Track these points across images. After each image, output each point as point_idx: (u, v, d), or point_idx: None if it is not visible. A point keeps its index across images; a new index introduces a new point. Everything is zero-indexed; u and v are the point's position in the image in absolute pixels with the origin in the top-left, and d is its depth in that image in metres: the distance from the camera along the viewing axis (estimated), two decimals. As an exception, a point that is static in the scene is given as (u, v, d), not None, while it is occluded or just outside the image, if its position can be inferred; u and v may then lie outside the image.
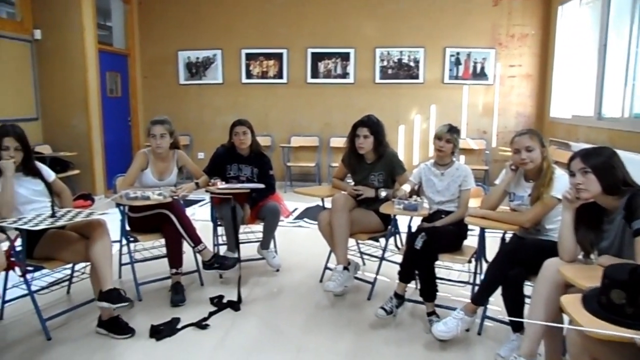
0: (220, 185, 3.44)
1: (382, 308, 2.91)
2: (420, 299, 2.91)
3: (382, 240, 3.37)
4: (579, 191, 2.05)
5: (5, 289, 2.93)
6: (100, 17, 6.69)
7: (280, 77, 7.40)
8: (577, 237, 2.12)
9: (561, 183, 2.43)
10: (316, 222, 3.44)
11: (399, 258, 3.11)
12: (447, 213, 3.05)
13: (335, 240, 3.17)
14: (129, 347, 2.67)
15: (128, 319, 2.83)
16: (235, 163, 3.67)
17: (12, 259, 2.35)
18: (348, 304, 3.26)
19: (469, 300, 2.66)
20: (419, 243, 2.77)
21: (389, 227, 3.28)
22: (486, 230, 2.84)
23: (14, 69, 5.79)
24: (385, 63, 7.22)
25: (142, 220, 3.20)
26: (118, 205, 3.20)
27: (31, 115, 6.05)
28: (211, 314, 3.03)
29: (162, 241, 3.25)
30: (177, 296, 3.18)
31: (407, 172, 3.40)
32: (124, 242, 3.30)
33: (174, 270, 3.20)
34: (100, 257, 2.67)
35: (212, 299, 3.22)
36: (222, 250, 3.64)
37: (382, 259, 3.31)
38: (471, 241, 3.08)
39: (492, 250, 2.82)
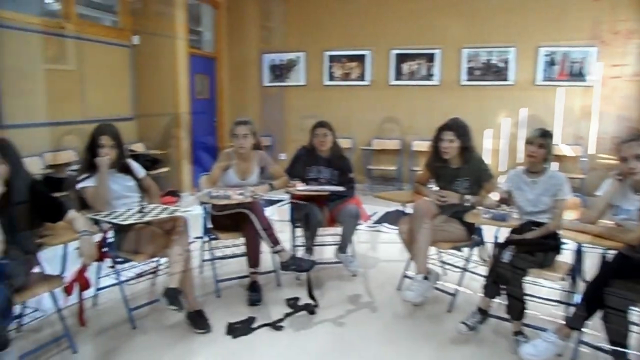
0: (300, 187, 3.43)
1: (464, 323, 2.74)
2: (506, 316, 2.71)
3: (466, 251, 3.19)
4: None
5: (99, 277, 3.12)
6: (191, 22, 7.01)
7: (363, 79, 7.33)
8: None
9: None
10: (396, 228, 3.33)
11: (483, 270, 2.92)
12: (539, 225, 2.80)
13: (416, 248, 3.04)
14: (206, 342, 2.74)
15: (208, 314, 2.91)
16: (315, 165, 3.65)
17: (104, 251, 2.49)
18: (427, 315, 3.11)
19: (562, 322, 2.43)
20: (506, 256, 2.58)
21: (474, 236, 3.10)
22: (585, 246, 2.58)
23: (113, 72, 6.23)
24: (472, 64, 6.91)
25: (224, 219, 3.27)
26: (202, 203, 3.30)
27: (127, 115, 6.46)
28: (286, 315, 3.03)
29: (242, 240, 3.30)
30: (254, 295, 3.21)
31: (495, 179, 3.20)
32: (206, 239, 3.39)
33: (252, 270, 3.24)
34: (174, 253, 2.76)
35: (288, 300, 3.22)
36: (301, 252, 3.64)
37: (464, 270, 3.13)
38: (565, 257, 2.82)
39: (590, 268, 2.56)
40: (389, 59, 7.20)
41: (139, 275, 3.37)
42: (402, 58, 7.15)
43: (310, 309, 3.10)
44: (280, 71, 7.65)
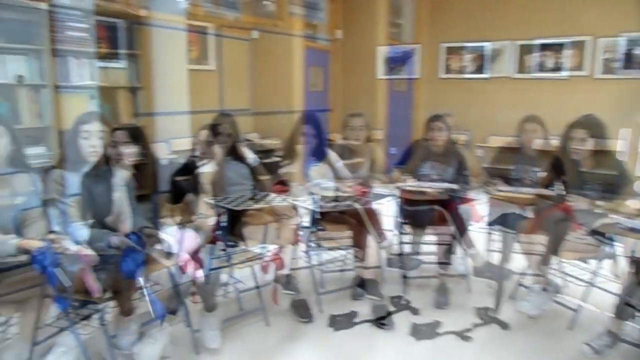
0: (410, 182, 3.31)
1: (589, 345, 2.45)
2: (642, 342, 2.37)
3: (593, 262, 2.86)
4: None
5: (211, 258, 3.28)
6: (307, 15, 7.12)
7: (481, 71, 6.93)
8: None
9: None
10: (513, 232, 3.08)
11: (615, 288, 2.59)
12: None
13: (536, 256, 2.78)
14: (308, 332, 2.80)
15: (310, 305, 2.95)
16: (428, 160, 3.50)
17: (217, 234, 2.62)
18: (543, 329, 2.84)
19: None
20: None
21: (604, 248, 2.76)
22: None
23: (236, 65, 6.51)
24: (608, 55, 6.19)
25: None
26: (311, 193, 3.32)
27: (246, 106, 6.76)
28: (389, 313, 2.95)
29: (350, 233, 3.27)
30: (358, 290, 3.18)
31: (633, 184, 2.82)
32: (314, 229, 3.42)
33: (357, 264, 3.21)
34: (283, 240, 2.83)
35: (392, 298, 3.14)
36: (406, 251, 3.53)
37: (591, 284, 2.81)
38: None
39: None
40: (512, 50, 6.69)
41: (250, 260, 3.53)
42: (525, 49, 6.63)
43: (414, 310, 2.99)
44: (395, 64, 7.49)
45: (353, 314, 2.94)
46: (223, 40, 5.50)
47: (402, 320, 2.92)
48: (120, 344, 2.25)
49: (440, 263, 3.22)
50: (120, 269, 2.06)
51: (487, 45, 6.81)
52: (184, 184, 2.67)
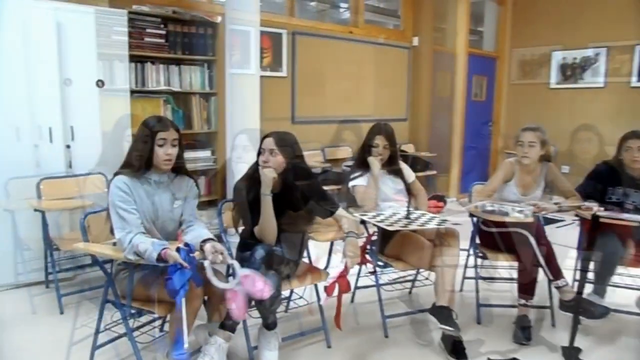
0: (597, 210, 2.74)
1: None
2: None
3: None
4: None
5: (359, 276, 3.12)
6: (472, 21, 6.65)
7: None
8: None
9: None
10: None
11: None
12: None
13: None
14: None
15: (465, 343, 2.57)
16: (620, 186, 2.89)
17: (367, 254, 2.42)
18: None
19: None
20: None
21: None
22: None
23: (392, 73, 6.36)
24: None
25: (495, 237, 2.86)
26: (471, 215, 2.96)
27: (401, 116, 6.54)
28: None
29: (515, 264, 2.83)
30: (522, 332, 2.71)
31: None
32: (472, 254, 3.04)
33: (522, 301, 2.75)
34: (443, 269, 2.49)
35: (564, 349, 2.61)
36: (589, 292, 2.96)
37: None
38: None
39: None
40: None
41: (396, 282, 3.28)
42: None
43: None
44: (573, 71, 6.59)
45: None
46: (297, 46, 5.33)
47: None
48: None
49: (521, 292, 2.72)
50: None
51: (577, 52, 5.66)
52: (335, 199, 2.50)
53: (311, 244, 2.53)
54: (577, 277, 2.93)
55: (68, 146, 3.41)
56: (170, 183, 2.20)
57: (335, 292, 2.20)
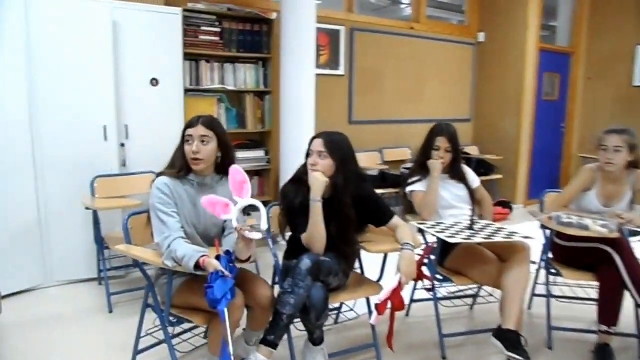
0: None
1: None
2: None
3: None
4: None
5: (414, 289, 2.89)
6: (544, 16, 6.17)
7: None
8: None
9: None
10: None
11: None
12: None
13: None
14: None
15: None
16: None
17: (424, 269, 2.19)
18: None
19: None
20: None
21: None
22: None
23: (456, 71, 6.04)
24: None
25: (572, 252, 2.54)
26: (543, 227, 2.65)
27: (465, 116, 6.19)
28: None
29: (596, 283, 2.50)
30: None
31: None
32: (543, 269, 2.73)
33: (603, 327, 2.40)
34: (511, 288, 2.21)
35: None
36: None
37: None
38: None
39: None
40: None
41: (456, 296, 3.02)
42: None
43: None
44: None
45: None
46: (356, 43, 5.05)
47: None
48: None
49: (602, 317, 2.35)
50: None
51: None
52: (389, 207, 2.27)
53: (364, 254, 2.34)
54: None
55: (122, 145, 3.42)
56: (215, 185, 2.08)
57: (388, 310, 1.98)
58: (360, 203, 2.16)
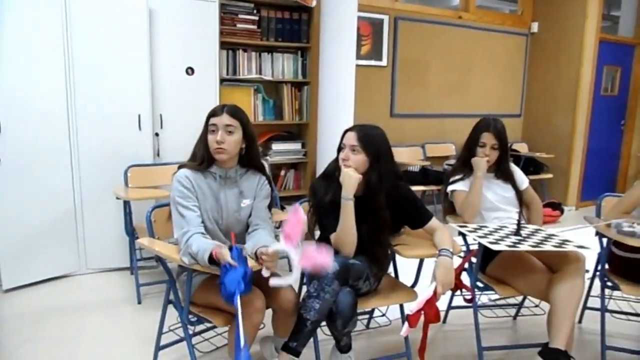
0: None
1: None
2: None
3: None
4: None
5: (453, 295, 2.70)
6: (605, 5, 5.73)
7: None
8: None
9: None
10: None
11: None
12: None
13: None
14: None
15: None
16: None
17: (462, 277, 1.99)
18: None
19: None
20: None
21: None
22: None
23: (506, 63, 5.71)
24: None
25: (631, 263, 2.29)
26: (600, 235, 2.40)
27: (514, 111, 5.86)
28: None
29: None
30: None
31: None
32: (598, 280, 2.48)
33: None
34: (562, 303, 1.98)
35: None
36: None
37: None
38: None
39: None
40: None
41: (497, 305, 2.81)
42: None
43: None
44: None
45: None
46: (399, 33, 4.79)
47: None
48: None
49: None
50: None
51: None
52: (432, 197, 2.10)
53: (398, 256, 2.17)
54: None
55: (157, 134, 3.38)
56: (239, 179, 1.97)
57: (421, 321, 1.81)
58: (395, 203, 2.00)
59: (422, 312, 1.73)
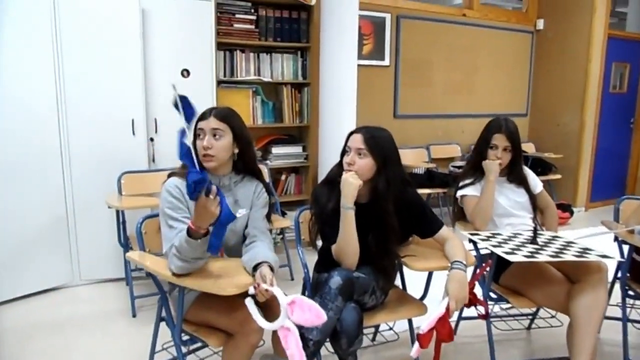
0: None
1: None
2: None
3: None
4: None
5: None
6: (612, 1, 5.58)
7: None
8: None
9: None
10: None
11: None
12: None
13: None
14: None
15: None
16: None
17: (476, 291, 1.85)
18: None
19: None
20: None
21: None
22: None
23: (511, 61, 5.57)
24: None
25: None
26: (620, 241, 2.26)
27: (521, 111, 5.72)
28: None
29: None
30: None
31: None
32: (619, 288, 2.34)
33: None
34: (584, 317, 1.84)
35: None
36: None
37: None
38: None
39: None
40: None
41: (511, 316, 2.67)
42: None
43: None
44: None
45: None
46: (402, 32, 4.68)
47: None
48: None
49: None
50: None
51: None
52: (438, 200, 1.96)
53: (406, 269, 2.03)
54: None
55: (151, 139, 3.25)
56: (234, 187, 1.83)
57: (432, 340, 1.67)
58: (404, 210, 1.86)
59: (434, 330, 1.59)
